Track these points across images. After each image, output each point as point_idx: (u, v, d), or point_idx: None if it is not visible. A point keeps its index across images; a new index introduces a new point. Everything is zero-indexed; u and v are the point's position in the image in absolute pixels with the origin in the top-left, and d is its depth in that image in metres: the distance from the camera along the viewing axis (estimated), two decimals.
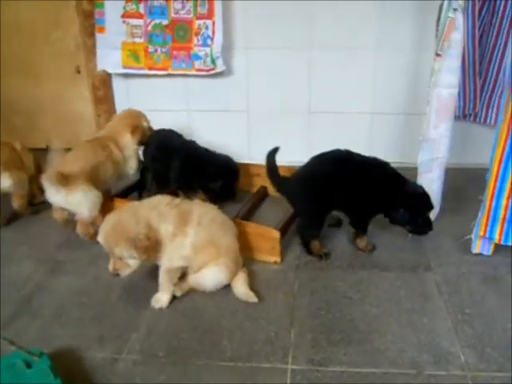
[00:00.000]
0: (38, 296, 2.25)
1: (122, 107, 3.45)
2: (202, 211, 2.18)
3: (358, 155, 2.42)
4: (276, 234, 2.39)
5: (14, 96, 3.65)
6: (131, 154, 2.86)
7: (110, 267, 2.06)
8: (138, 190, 3.04)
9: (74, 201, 2.52)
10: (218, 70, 3.20)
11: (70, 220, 2.66)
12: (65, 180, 2.46)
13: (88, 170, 2.56)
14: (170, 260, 2.11)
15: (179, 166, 2.78)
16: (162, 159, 2.85)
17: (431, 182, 2.55)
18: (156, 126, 2.99)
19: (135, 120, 2.89)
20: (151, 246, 2.02)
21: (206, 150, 2.86)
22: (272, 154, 2.53)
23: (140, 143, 2.89)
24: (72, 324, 2.08)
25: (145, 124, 2.92)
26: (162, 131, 3.00)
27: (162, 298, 2.15)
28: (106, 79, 3.46)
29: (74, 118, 3.66)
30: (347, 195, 2.37)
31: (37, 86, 3.62)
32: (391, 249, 2.51)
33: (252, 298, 2.15)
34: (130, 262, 2.05)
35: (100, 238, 2.06)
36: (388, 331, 1.98)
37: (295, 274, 2.34)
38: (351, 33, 3.12)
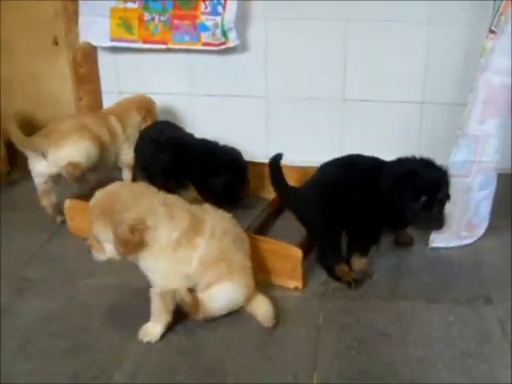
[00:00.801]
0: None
1: (109, 88, 3.48)
2: (215, 220, 2.21)
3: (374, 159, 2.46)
4: (297, 253, 2.39)
5: None
6: (133, 135, 3.07)
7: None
8: None
9: (64, 154, 2.78)
10: (230, 44, 3.21)
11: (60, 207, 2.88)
12: (48, 138, 2.79)
13: (79, 126, 2.87)
14: (165, 279, 2.12)
15: (168, 157, 2.87)
16: (150, 154, 2.96)
17: (466, 190, 2.55)
18: None
19: (149, 105, 3.15)
20: (131, 243, 2.02)
21: (205, 141, 2.93)
22: (276, 159, 2.58)
23: None
24: (40, 357, 2.09)
25: (155, 115, 3.14)
26: (157, 124, 3.11)
27: (152, 330, 2.16)
28: (89, 53, 3.48)
29: (49, 101, 3.69)
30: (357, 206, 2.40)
31: (4, 61, 3.65)
32: (442, 275, 2.51)
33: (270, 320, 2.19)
34: (106, 247, 2.08)
35: (91, 202, 2.12)
36: (436, 379, 1.97)
37: (320, 304, 2.34)
38: (398, 2, 3.11)
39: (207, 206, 2.30)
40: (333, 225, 2.46)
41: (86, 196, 2.82)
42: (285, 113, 3.41)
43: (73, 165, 2.81)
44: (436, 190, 2.27)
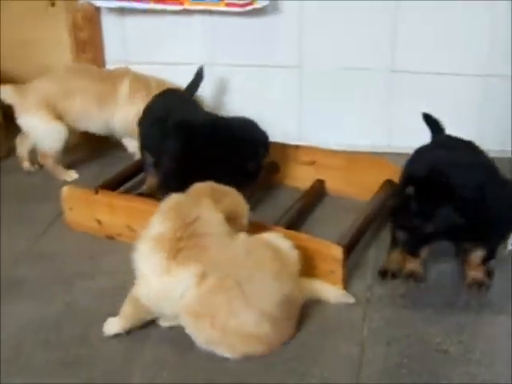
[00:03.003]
0: None
1: (114, 57, 3.48)
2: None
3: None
4: (338, 252, 2.37)
5: None
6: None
7: None
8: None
9: (30, 125, 3.28)
10: (258, 5, 3.21)
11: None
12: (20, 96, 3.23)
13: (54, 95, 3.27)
14: None
15: (176, 144, 2.86)
16: (155, 136, 2.97)
17: None
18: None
19: None
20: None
21: (217, 118, 2.94)
22: None
23: None
24: (33, 371, 2.08)
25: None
26: (163, 97, 3.09)
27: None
28: (91, 16, 3.49)
29: (43, 72, 3.69)
30: None
31: None
32: (510, 283, 2.47)
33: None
34: None
35: None
36: None
37: (365, 313, 2.32)
38: None
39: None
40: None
41: (87, 184, 2.87)
42: (322, 86, 3.39)
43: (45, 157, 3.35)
44: None
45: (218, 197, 2.28)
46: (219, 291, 2.08)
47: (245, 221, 2.34)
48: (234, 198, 2.36)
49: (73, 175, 3.33)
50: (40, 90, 3.27)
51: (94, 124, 3.36)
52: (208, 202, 2.22)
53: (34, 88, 3.28)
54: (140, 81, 3.35)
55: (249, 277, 2.11)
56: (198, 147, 2.81)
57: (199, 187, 2.34)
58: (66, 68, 3.45)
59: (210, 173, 2.82)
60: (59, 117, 3.28)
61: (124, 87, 3.30)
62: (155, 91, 3.21)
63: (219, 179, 2.79)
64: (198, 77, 3.19)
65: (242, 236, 2.24)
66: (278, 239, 2.29)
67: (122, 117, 3.33)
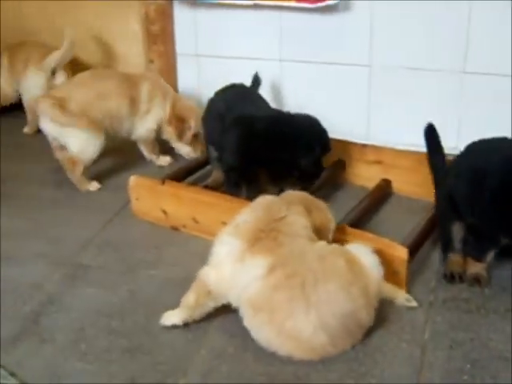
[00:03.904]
0: (50, 312, 2.32)
1: (185, 50, 3.51)
2: None
3: None
4: (402, 252, 2.35)
5: (32, 26, 3.79)
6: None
7: None
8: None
9: (69, 136, 3.15)
10: (330, 2, 3.18)
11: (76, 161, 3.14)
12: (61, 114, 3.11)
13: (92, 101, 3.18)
14: None
15: (235, 139, 2.87)
16: (216, 130, 2.99)
17: None
18: (231, 81, 3.05)
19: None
20: None
21: (279, 114, 2.93)
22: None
23: None
24: (94, 357, 2.12)
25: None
26: (226, 91, 3.11)
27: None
28: (164, 9, 3.53)
29: (115, 64, 3.75)
30: None
31: (64, 14, 3.73)
32: None
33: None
34: None
35: None
36: None
37: (427, 316, 2.29)
38: None
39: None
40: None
41: (154, 173, 2.90)
42: (392, 85, 3.34)
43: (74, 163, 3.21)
44: None
45: (309, 207, 2.29)
46: (282, 288, 2.06)
47: (330, 236, 2.34)
48: (324, 212, 2.36)
49: (95, 185, 3.26)
50: (76, 98, 3.17)
51: (126, 127, 3.36)
52: (298, 207, 2.24)
53: (69, 98, 3.16)
54: (158, 85, 3.41)
55: (315, 281, 2.06)
56: (256, 142, 2.82)
57: (293, 194, 2.37)
58: (90, 73, 3.41)
59: (269, 168, 2.84)
60: (96, 123, 3.19)
61: (144, 90, 3.34)
62: (171, 97, 3.37)
63: (277, 175, 2.81)
64: (256, 83, 3.22)
65: (322, 243, 2.23)
66: (362, 253, 2.24)
67: (142, 120, 3.38)
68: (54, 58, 3.67)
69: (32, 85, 3.76)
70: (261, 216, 2.18)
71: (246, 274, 2.09)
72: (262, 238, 2.11)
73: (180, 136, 3.38)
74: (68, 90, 3.24)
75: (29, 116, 3.85)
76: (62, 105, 3.11)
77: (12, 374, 1.81)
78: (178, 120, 3.35)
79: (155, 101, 3.36)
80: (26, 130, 3.92)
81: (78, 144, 3.15)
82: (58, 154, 3.26)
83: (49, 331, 2.22)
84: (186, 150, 3.46)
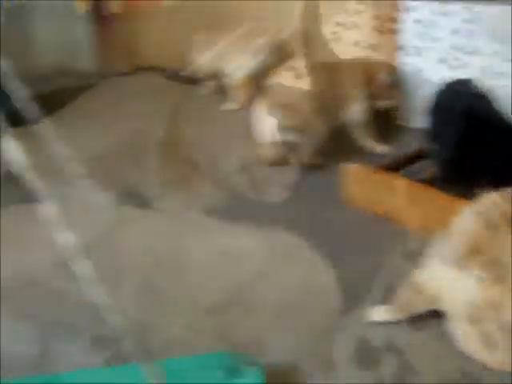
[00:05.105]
0: (256, 285, 2.40)
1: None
2: None
3: None
4: None
5: None
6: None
7: None
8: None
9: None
10: None
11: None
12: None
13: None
14: None
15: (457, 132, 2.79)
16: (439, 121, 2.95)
17: None
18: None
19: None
20: None
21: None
22: None
23: None
24: (291, 332, 2.16)
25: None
26: (456, 83, 3.05)
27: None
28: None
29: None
30: None
31: None
32: None
33: None
34: None
35: None
36: None
37: None
38: None
39: None
40: None
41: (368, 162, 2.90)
42: None
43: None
44: None
45: None
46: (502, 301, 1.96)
47: None
48: None
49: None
50: None
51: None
52: None
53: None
54: None
55: None
56: (478, 139, 2.76)
57: None
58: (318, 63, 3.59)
59: (486, 166, 2.73)
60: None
61: None
62: None
63: (494, 174, 2.69)
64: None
65: None
66: None
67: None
68: None
69: None
70: (480, 224, 2.06)
71: (464, 283, 2.01)
72: (482, 251, 2.00)
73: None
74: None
75: None
76: None
77: None
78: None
79: None
80: None
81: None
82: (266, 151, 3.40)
83: (254, 302, 2.30)
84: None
